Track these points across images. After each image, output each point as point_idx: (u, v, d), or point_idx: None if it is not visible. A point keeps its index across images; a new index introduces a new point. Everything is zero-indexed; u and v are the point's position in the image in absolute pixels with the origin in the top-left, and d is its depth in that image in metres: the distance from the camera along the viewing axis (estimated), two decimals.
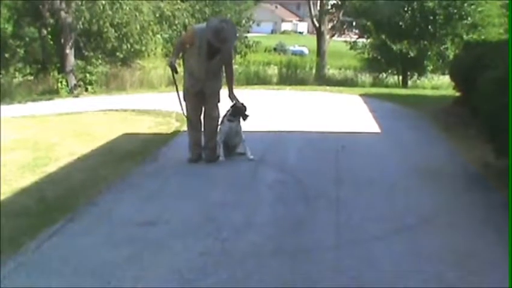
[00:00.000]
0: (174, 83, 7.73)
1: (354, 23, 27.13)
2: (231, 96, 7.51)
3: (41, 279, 4.13)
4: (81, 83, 19.71)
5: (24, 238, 4.86)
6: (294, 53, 40.52)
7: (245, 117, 7.55)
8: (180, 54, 7.69)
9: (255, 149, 7.67)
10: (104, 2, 18.88)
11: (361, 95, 15.02)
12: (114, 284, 4.04)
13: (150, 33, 21.35)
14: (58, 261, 4.44)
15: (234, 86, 7.58)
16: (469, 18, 21.41)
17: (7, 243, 4.75)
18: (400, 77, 23.36)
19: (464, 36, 20.96)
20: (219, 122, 7.59)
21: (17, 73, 23.28)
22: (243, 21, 31.31)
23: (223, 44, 7.09)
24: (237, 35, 8.25)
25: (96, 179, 6.77)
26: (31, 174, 7.12)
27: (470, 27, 21.51)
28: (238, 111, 7.53)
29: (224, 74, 7.63)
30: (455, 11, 21.32)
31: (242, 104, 7.56)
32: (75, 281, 4.11)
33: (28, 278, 4.17)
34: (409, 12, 21.63)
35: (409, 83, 22.95)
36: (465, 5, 21.26)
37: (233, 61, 7.87)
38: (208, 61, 7.18)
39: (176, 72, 7.46)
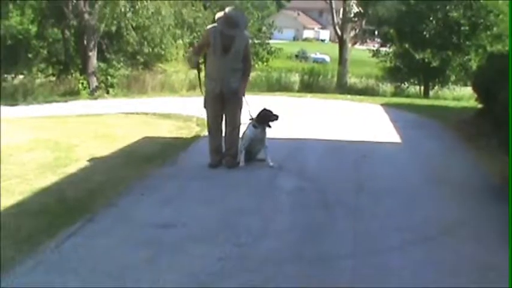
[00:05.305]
0: (199, 80, 7.68)
1: (377, 32, 27.00)
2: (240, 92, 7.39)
3: (58, 278, 4.14)
4: (103, 85, 19.87)
5: (43, 237, 4.89)
6: (316, 61, 40.61)
7: (270, 124, 7.48)
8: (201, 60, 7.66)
9: (275, 155, 7.63)
10: (123, 3, 18.99)
11: (382, 105, 14.94)
12: (130, 285, 4.05)
13: (171, 38, 21.45)
14: (76, 261, 4.45)
15: (247, 86, 7.51)
16: (495, 29, 21.14)
17: (26, 241, 4.78)
18: (422, 87, 23.22)
19: (488, 48, 20.73)
20: (245, 128, 7.53)
21: (39, 73, 23.56)
22: (265, 28, 31.36)
23: (234, 28, 7.02)
24: (247, 20, 8.21)
25: (115, 181, 6.79)
26: (51, 174, 7.14)
27: (495, 38, 21.25)
28: (263, 118, 7.47)
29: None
30: (480, 21, 21.09)
31: (269, 110, 7.52)
32: (91, 282, 4.12)
33: (46, 276, 4.19)
34: (433, 21, 21.47)
35: (431, 93, 22.78)
36: (491, 15, 21.02)
37: (251, 60, 7.82)
38: (223, 56, 7.12)
39: (200, 70, 7.54)
